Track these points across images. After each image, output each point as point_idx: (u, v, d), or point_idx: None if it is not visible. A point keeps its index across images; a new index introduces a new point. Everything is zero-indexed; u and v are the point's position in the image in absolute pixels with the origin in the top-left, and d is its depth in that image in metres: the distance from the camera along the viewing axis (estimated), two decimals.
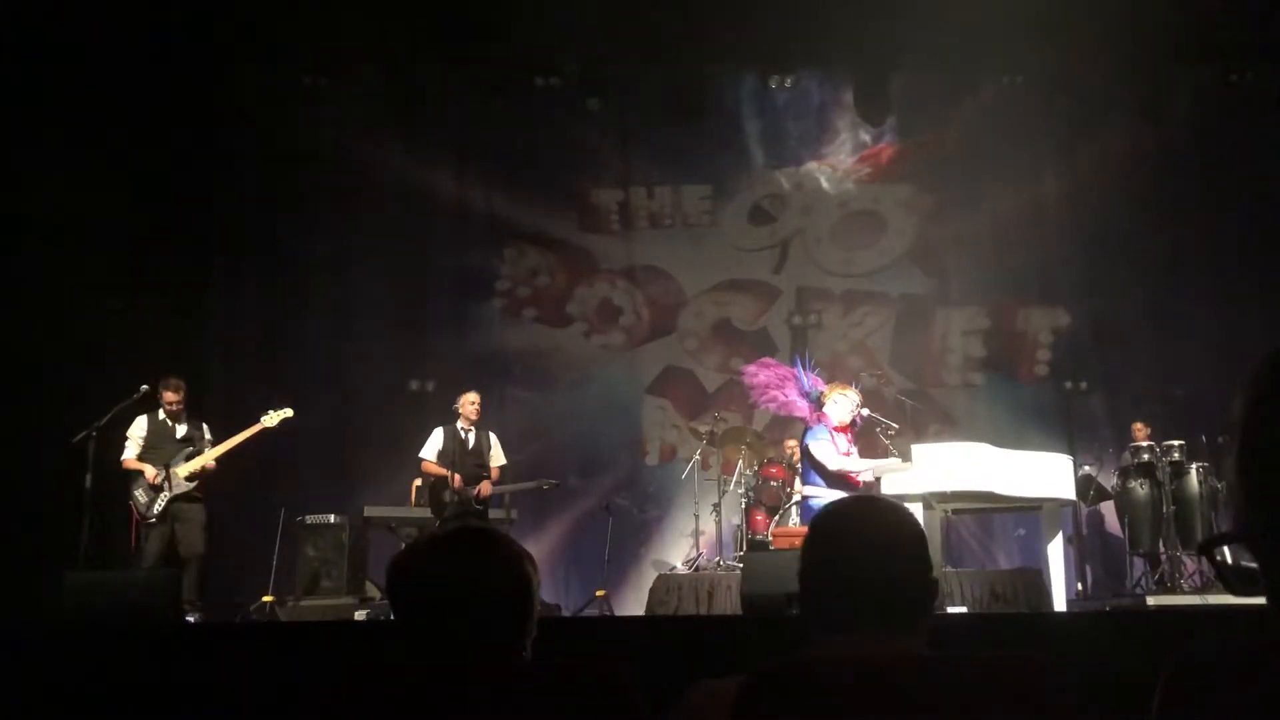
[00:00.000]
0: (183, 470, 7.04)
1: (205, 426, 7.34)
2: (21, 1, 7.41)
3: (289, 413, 7.43)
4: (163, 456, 7.09)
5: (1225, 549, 1.64)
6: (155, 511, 6.95)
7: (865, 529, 1.69)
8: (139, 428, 7.14)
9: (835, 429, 6.61)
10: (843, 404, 6.70)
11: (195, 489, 7.09)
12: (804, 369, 7.13)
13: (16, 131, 7.52)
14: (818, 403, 6.78)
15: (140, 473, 7.01)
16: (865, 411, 6.95)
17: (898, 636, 1.61)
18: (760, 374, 7.41)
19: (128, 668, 3.62)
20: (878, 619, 1.62)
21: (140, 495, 6.99)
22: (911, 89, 10.01)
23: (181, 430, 7.21)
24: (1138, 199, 9.64)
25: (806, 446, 6.73)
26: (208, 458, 7.14)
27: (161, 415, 7.19)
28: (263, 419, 7.35)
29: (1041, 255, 9.98)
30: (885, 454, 7.11)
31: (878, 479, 6.63)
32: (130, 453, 7.08)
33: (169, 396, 7.16)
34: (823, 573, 1.70)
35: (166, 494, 6.99)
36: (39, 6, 7.52)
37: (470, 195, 10.15)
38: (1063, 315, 10.00)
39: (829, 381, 7.29)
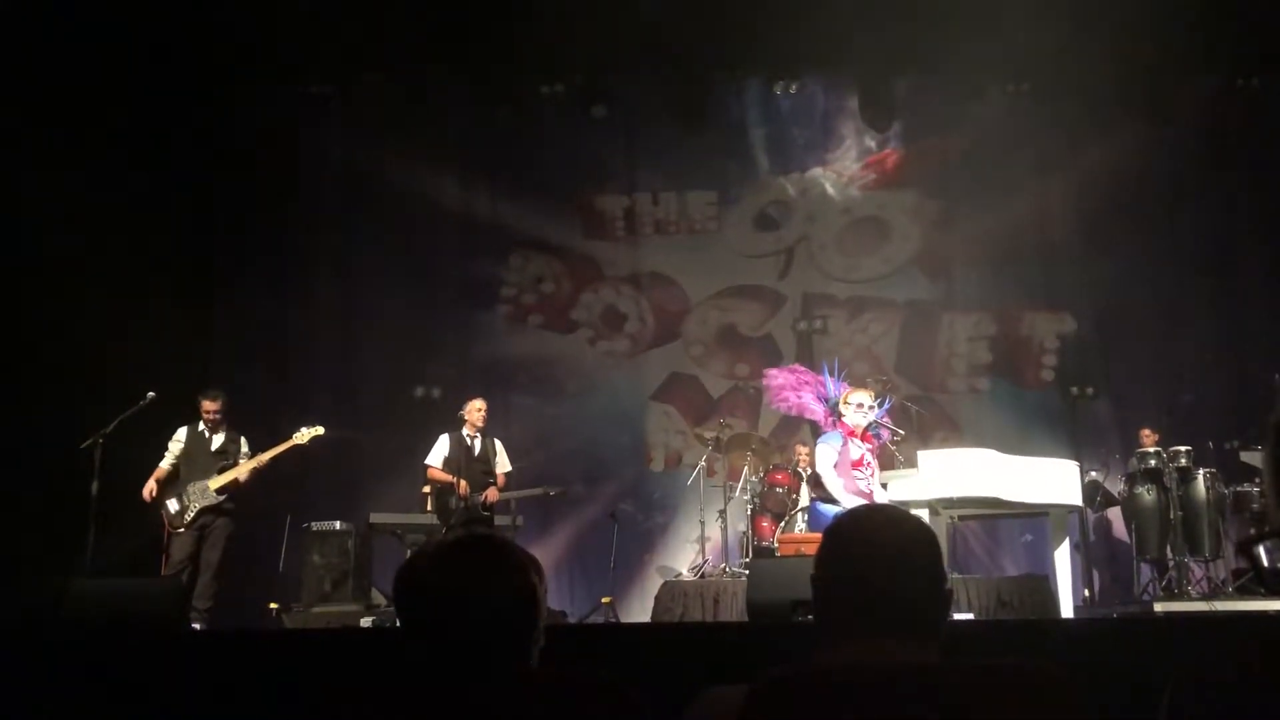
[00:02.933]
0: (214, 483, 7.14)
1: (243, 439, 7.43)
2: (29, 6, 7.44)
3: (320, 430, 7.53)
4: (198, 467, 7.21)
5: (1263, 551, 1.64)
6: (185, 521, 7.09)
7: (880, 537, 1.69)
8: (178, 438, 7.31)
9: (852, 434, 6.52)
10: (851, 404, 6.63)
11: (226, 501, 7.16)
12: (831, 376, 7.07)
13: (22, 137, 7.53)
14: (835, 410, 6.72)
15: (172, 484, 7.18)
16: (884, 419, 6.88)
17: (908, 645, 1.61)
18: (781, 376, 7.37)
19: (132, 675, 3.62)
20: (889, 627, 1.62)
21: (171, 504, 7.12)
22: (916, 95, 10.01)
23: (218, 442, 7.34)
24: (1144, 205, 9.62)
25: (814, 448, 6.71)
26: (240, 471, 7.22)
27: (200, 426, 7.31)
28: (295, 436, 7.46)
29: (1047, 261, 9.97)
30: (892, 460, 7.09)
31: (884, 485, 6.60)
32: (165, 462, 7.25)
33: (207, 406, 7.32)
34: (836, 579, 1.70)
35: (197, 504, 7.11)
36: (46, 13, 7.54)
37: (475, 202, 10.17)
38: (1068, 320, 9.98)
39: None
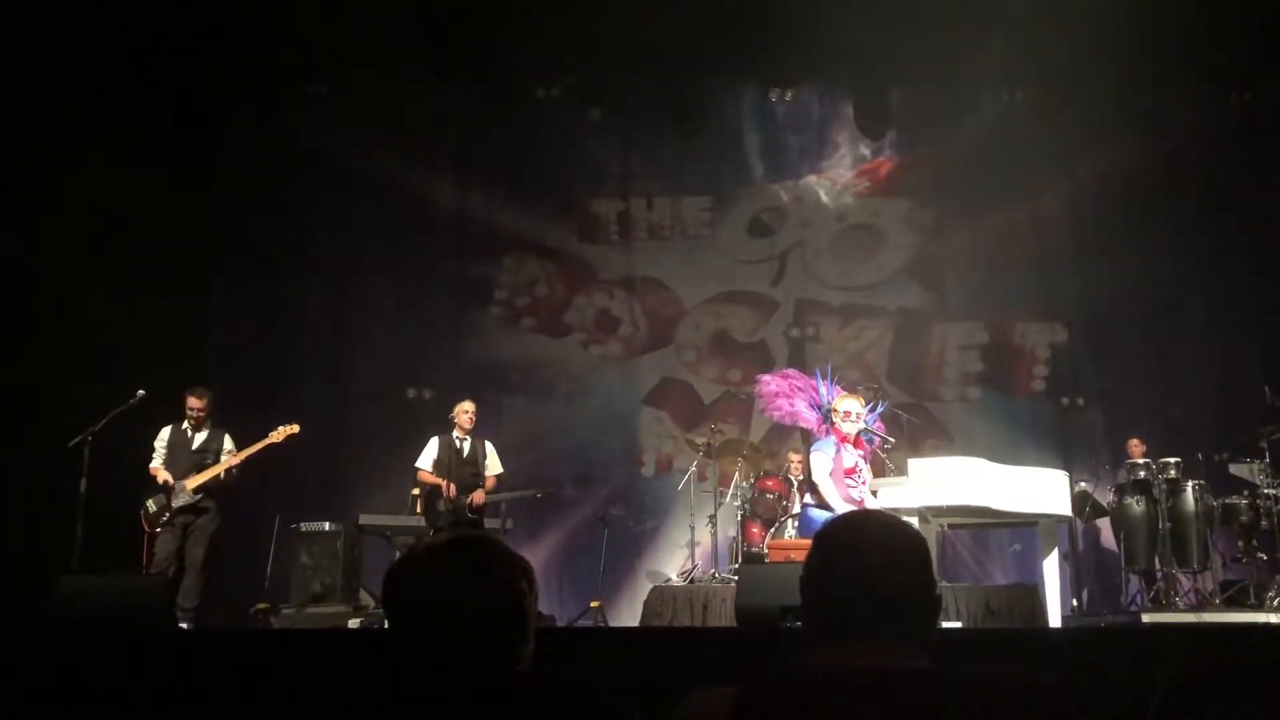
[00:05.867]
0: (191, 482, 7.10)
1: (227, 437, 7.38)
2: (28, 6, 7.42)
3: (295, 429, 7.48)
4: (180, 466, 7.17)
5: None
6: (161, 522, 7.04)
7: (869, 541, 1.69)
8: (162, 437, 7.27)
9: (845, 440, 6.50)
10: (838, 411, 6.61)
11: (204, 499, 7.13)
12: (824, 380, 7.06)
13: (18, 133, 7.52)
14: (827, 417, 6.70)
15: (152, 482, 7.12)
16: (878, 426, 6.87)
17: (896, 649, 1.61)
18: (774, 383, 7.34)
19: (119, 673, 3.60)
20: (877, 632, 1.62)
21: (151, 505, 7.08)
22: (911, 104, 10.05)
23: (199, 441, 7.29)
24: (1137, 216, 9.66)
25: (808, 455, 6.69)
26: (216, 470, 7.18)
27: (184, 425, 7.29)
28: (271, 434, 7.40)
29: (1040, 271, 10.01)
30: (883, 468, 7.09)
31: (874, 493, 6.60)
32: (155, 462, 7.22)
33: (191, 403, 7.30)
34: (824, 582, 1.70)
35: (174, 504, 7.06)
36: (46, 9, 7.52)
37: (470, 204, 10.17)
38: (1060, 331, 10.01)
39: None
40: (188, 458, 7.23)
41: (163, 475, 7.10)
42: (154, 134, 8.53)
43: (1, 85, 7.30)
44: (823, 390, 6.94)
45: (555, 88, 10.02)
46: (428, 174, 10.04)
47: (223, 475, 7.21)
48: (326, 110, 9.90)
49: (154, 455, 7.24)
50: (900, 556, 1.68)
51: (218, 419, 7.44)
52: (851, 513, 1.92)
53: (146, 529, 7.05)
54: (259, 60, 9.11)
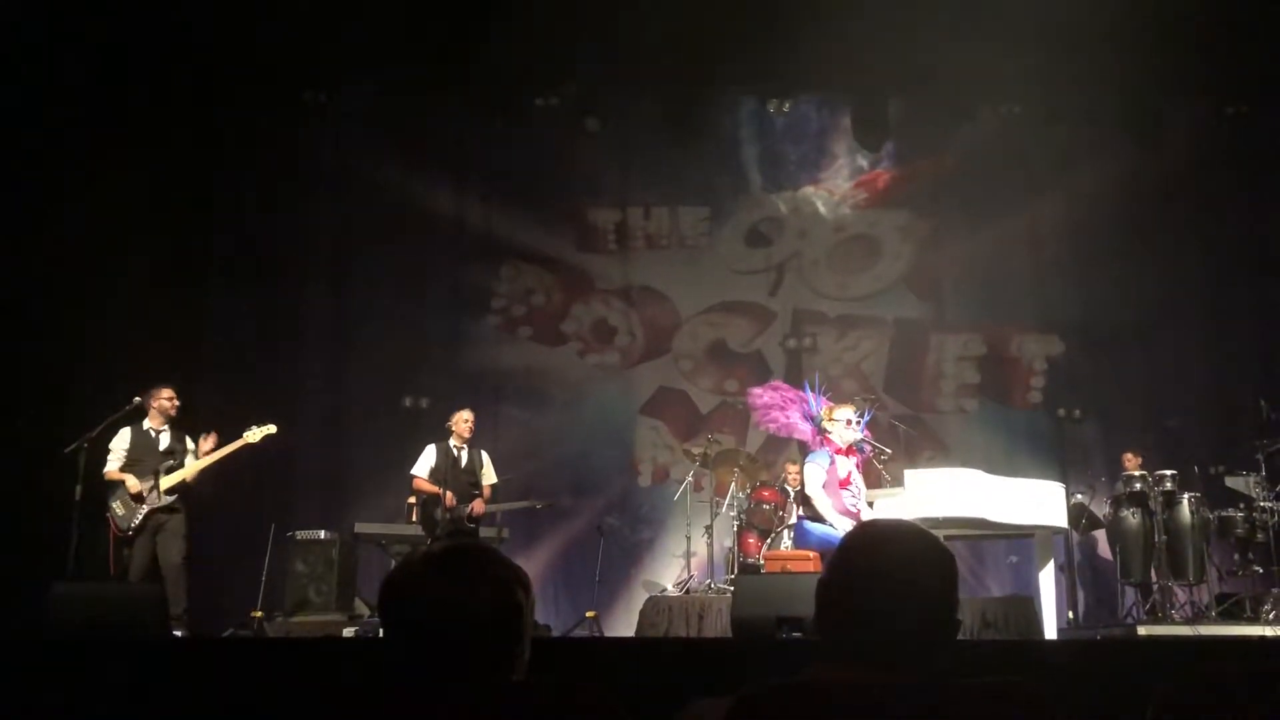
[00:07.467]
0: (164, 483, 6.95)
1: (189, 439, 7.22)
2: (36, 8, 7.43)
3: (272, 429, 7.31)
4: (146, 469, 6.98)
5: None
6: (133, 524, 6.84)
7: (891, 564, 1.64)
8: (122, 440, 7.02)
9: (839, 452, 6.51)
10: (839, 420, 6.62)
11: (175, 501, 6.98)
12: (813, 392, 7.06)
13: (19, 139, 7.52)
14: (820, 427, 6.70)
15: (119, 484, 6.90)
16: (865, 434, 6.88)
17: (897, 664, 1.59)
18: (766, 395, 7.33)
19: (113, 680, 3.59)
20: (887, 654, 1.59)
21: (118, 508, 6.86)
22: (909, 115, 10.07)
23: (165, 442, 7.10)
24: (1134, 229, 9.68)
25: (803, 467, 6.70)
26: (188, 472, 7.03)
27: (145, 426, 7.10)
28: (245, 434, 7.23)
29: (1037, 283, 10.02)
30: (879, 479, 7.09)
31: (870, 504, 6.60)
32: (112, 465, 6.96)
33: (168, 393, 7.09)
34: (841, 599, 1.66)
35: (146, 507, 6.89)
36: (50, 13, 7.54)
37: (468, 213, 10.17)
38: (1057, 343, 10.02)
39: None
40: (156, 460, 7.02)
41: (134, 483, 6.86)
42: (153, 138, 8.53)
43: (2, 86, 7.31)
44: (812, 402, 6.95)
45: (553, 97, 10.02)
46: (425, 182, 10.03)
47: (191, 477, 7.05)
48: (325, 118, 9.91)
49: (110, 459, 6.95)
50: (923, 583, 1.62)
51: (177, 421, 7.22)
52: (881, 528, 1.78)
53: (117, 532, 6.83)
54: (259, 67, 9.13)
